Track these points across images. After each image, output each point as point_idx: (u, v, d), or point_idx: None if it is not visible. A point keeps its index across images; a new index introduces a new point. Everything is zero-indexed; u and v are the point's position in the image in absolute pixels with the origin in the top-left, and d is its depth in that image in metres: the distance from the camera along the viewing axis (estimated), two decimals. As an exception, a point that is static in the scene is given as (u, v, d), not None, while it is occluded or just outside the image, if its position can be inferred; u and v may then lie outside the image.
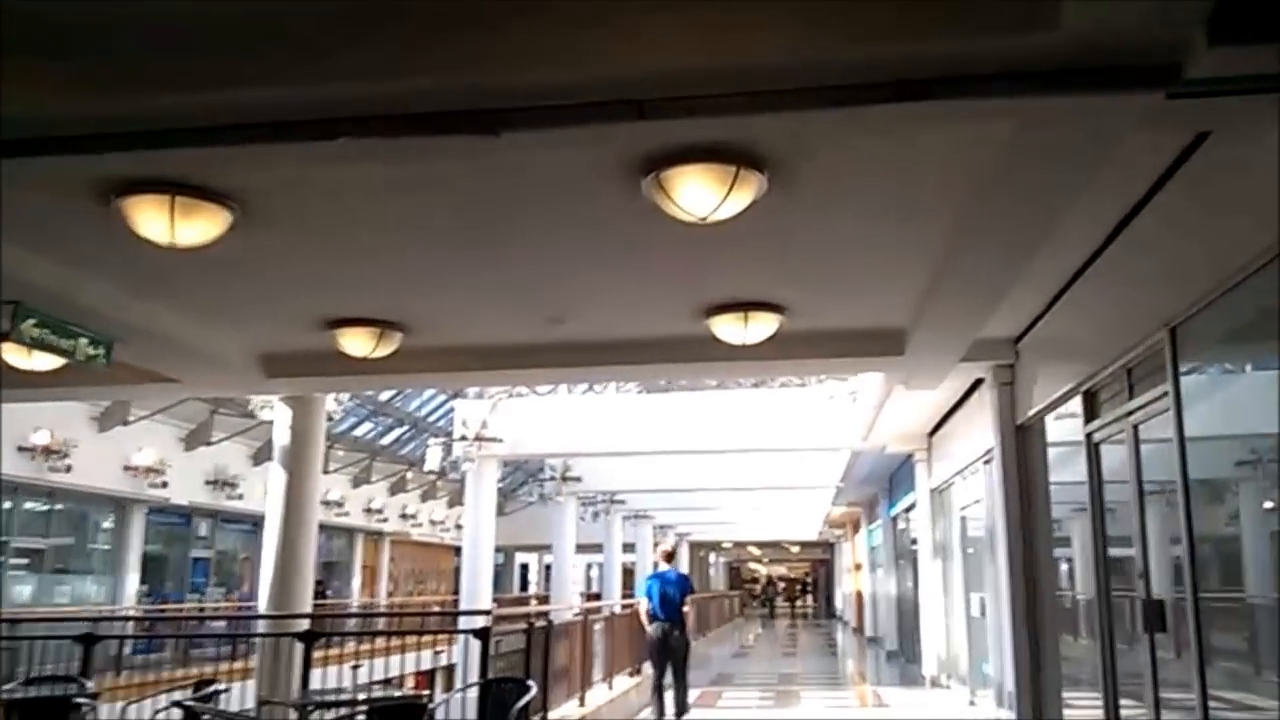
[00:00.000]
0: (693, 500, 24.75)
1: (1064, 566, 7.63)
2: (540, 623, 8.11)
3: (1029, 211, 4.51)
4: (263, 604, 8.35)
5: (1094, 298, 5.87)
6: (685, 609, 9.88)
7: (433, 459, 14.39)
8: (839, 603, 40.66)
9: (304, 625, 7.75)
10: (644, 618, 9.96)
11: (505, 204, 4.51)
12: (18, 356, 6.70)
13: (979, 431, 9.54)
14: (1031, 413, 7.44)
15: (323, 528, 15.49)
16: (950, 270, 5.29)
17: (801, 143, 3.86)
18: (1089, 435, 6.27)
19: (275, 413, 8.55)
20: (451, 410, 26.15)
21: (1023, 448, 7.77)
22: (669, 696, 9.90)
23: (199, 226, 4.35)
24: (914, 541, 14.94)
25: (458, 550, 36.29)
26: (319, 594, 21.22)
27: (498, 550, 37.37)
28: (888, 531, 19.04)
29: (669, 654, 9.78)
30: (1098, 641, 6.08)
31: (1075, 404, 6.66)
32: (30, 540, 16.72)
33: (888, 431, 12.47)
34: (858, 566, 27.38)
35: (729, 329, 6.28)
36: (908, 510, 16.22)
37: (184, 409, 17.39)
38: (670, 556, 10.65)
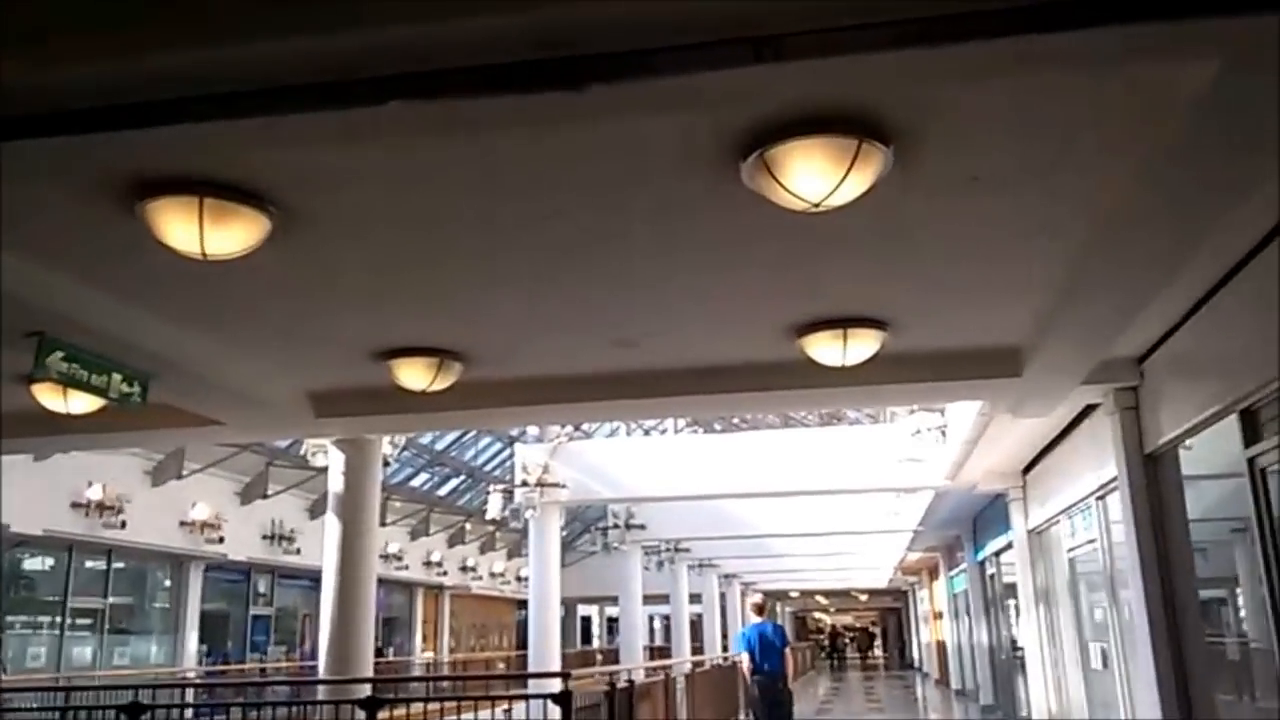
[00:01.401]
0: (759, 548, 23.83)
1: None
2: (622, 682, 7.35)
3: (1199, 193, 3.82)
4: (322, 666, 7.73)
5: (1255, 299, 5.08)
6: (787, 660, 9.88)
7: (494, 506, 13.76)
8: (916, 652, 39.05)
9: (366, 690, 7.09)
10: (745, 672, 9.93)
11: (574, 201, 3.90)
12: (52, 399, 6.25)
13: (1090, 466, 8.66)
14: (1165, 439, 6.59)
15: (382, 582, 14.91)
16: (1090, 271, 4.58)
17: (939, 102, 3.21)
18: (1251, 460, 5.43)
19: (329, 458, 8.00)
20: (508, 459, 25.76)
21: (1155, 479, 6.91)
22: None
23: (232, 235, 3.81)
24: (1010, 587, 13.91)
25: (520, 603, 35.79)
26: (378, 651, 20.64)
27: (563, 603, 36.62)
28: (974, 577, 17.93)
29: (775, 706, 9.70)
30: (1276, 699, 5.19)
31: (1223, 427, 5.84)
32: (89, 600, 16.40)
33: (978, 468, 11.58)
34: (938, 615, 26.09)
35: (825, 350, 5.59)
36: (999, 553, 15.20)
37: (239, 461, 17.07)
38: (761, 609, 10.53)
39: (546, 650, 13.04)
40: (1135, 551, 6.94)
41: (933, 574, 26.92)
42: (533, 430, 14.59)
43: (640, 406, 6.83)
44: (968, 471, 11.63)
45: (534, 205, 3.93)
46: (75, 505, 14.30)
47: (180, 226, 3.71)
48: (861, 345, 5.55)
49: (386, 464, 8.36)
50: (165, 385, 5.84)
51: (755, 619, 10.22)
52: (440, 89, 2.72)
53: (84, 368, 5.18)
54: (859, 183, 3.44)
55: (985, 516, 15.84)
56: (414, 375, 5.96)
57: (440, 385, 6.06)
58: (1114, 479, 7.51)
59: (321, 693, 7.98)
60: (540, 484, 12.90)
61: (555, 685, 6.96)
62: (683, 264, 4.61)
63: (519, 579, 32.01)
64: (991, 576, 16.63)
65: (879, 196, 3.59)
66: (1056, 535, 11.06)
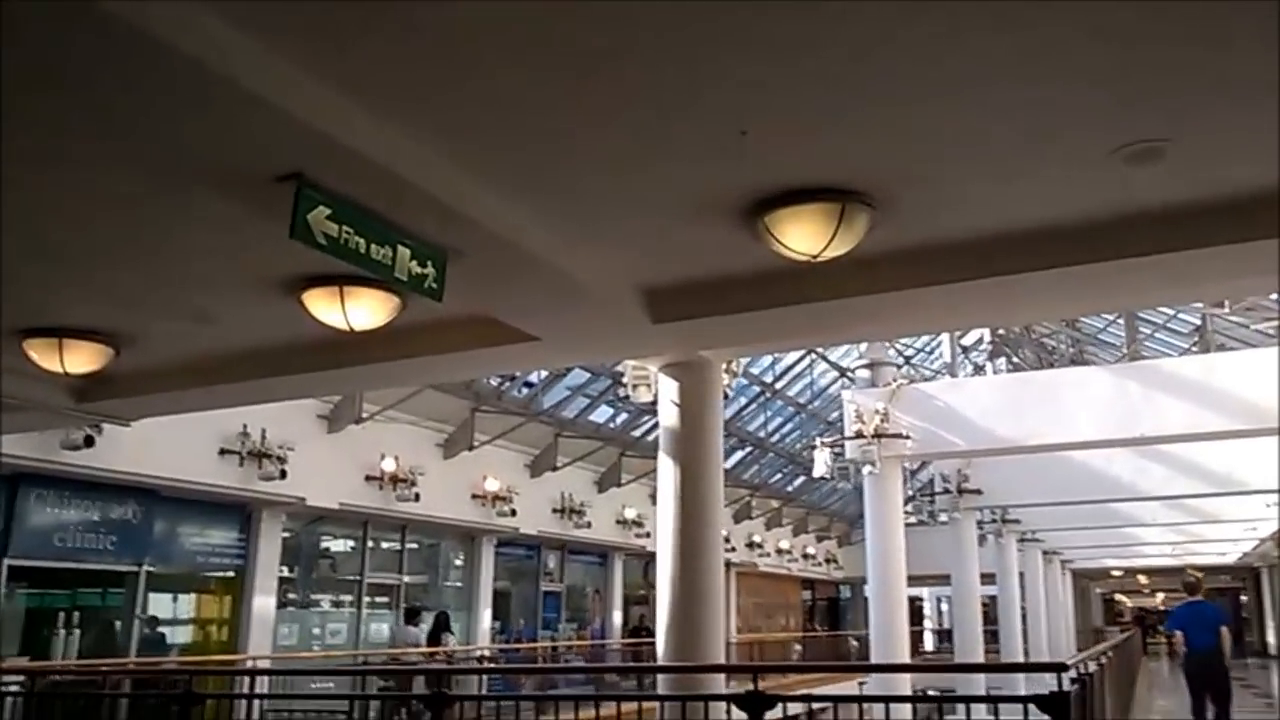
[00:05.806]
0: (1083, 518, 20.32)
1: None
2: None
3: None
4: (661, 648, 6.02)
5: None
6: (1224, 637, 9.86)
7: (820, 464, 11.76)
8: (1271, 638, 33.54)
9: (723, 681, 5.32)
10: (1179, 649, 10.43)
11: None
12: (328, 309, 4.84)
13: None
14: None
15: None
16: None
17: None
18: None
19: (659, 390, 6.23)
20: (795, 430, 23.80)
21: None
22: None
23: None
24: None
25: (805, 583, 33.63)
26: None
27: (849, 582, 34.06)
28: None
29: (1208, 683, 9.77)
30: None
31: None
32: (386, 577, 16.18)
33: None
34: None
35: None
36: None
37: (526, 433, 16.33)
38: (1195, 589, 10.34)
39: (892, 633, 10.83)
40: None
41: (1313, 545, 22.38)
42: (863, 374, 12.42)
43: (1155, 269, 4.30)
44: None
45: None
46: (369, 479, 13.81)
47: None
48: None
49: (726, 397, 6.56)
50: (460, 272, 4.20)
51: (1188, 598, 10.28)
52: None
53: (359, 233, 3.62)
54: None
55: None
56: (803, 232, 4.05)
57: (837, 249, 4.11)
58: None
59: (662, 683, 6.32)
60: (879, 434, 10.74)
61: (1049, 682, 4.63)
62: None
63: (805, 556, 30.29)
64: None
65: None
66: None
